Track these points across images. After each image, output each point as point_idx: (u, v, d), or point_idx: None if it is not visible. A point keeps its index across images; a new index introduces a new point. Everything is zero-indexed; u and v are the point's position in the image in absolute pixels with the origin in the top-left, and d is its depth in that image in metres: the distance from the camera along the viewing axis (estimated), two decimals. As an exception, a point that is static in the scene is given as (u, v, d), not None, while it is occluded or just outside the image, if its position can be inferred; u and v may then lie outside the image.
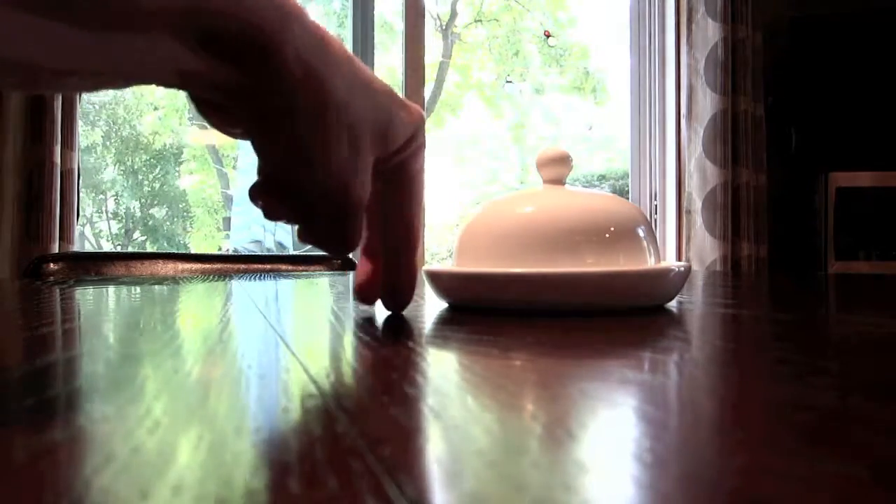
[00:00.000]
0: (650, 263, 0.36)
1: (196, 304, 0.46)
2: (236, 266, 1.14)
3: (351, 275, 1.02)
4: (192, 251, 3.55)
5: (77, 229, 1.61)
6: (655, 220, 2.08)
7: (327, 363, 0.21)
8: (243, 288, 0.63)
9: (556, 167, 0.39)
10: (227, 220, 3.67)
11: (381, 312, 0.36)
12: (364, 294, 0.35)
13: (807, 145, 2.00)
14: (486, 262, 0.36)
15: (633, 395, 0.16)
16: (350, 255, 1.33)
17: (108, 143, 3.51)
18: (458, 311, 0.36)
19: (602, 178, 3.82)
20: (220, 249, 3.73)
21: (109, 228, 3.70)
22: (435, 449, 0.12)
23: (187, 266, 1.09)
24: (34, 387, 0.17)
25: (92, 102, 3.32)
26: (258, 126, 0.24)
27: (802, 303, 0.45)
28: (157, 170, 3.65)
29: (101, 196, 3.60)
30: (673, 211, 2.02)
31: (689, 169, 1.94)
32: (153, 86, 0.22)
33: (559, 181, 0.39)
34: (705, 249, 1.89)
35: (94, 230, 3.60)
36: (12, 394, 0.16)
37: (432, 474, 0.10)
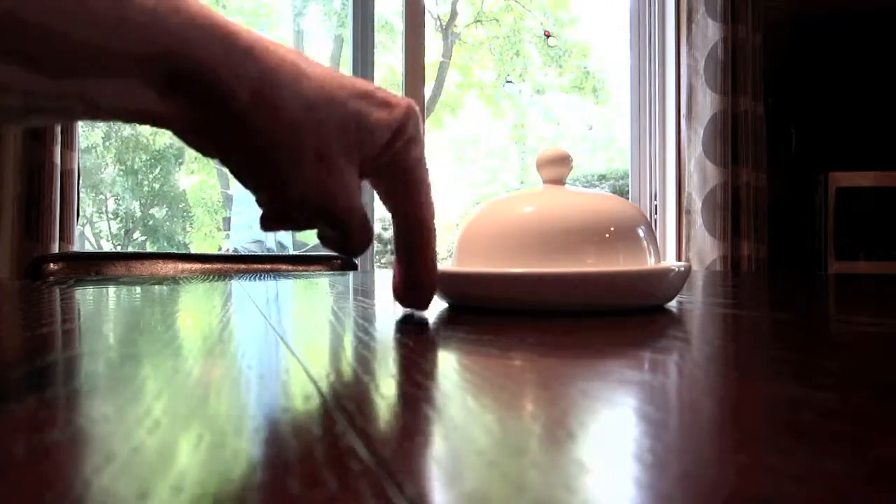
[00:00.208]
0: (650, 263, 0.36)
1: (196, 304, 0.46)
2: (236, 266, 1.14)
3: (351, 275, 1.02)
4: (192, 251, 3.55)
5: (77, 229, 1.61)
6: (655, 220, 2.08)
7: (327, 363, 0.21)
8: (243, 288, 0.63)
9: (556, 167, 0.39)
10: (227, 220, 3.67)
11: (400, 309, 0.36)
12: (399, 295, 0.34)
13: (807, 145, 2.00)
14: (486, 262, 0.36)
15: (633, 395, 0.16)
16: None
17: (108, 143, 3.51)
18: (458, 311, 0.36)
19: (602, 178, 3.82)
20: (220, 249, 3.73)
21: (109, 228, 3.70)
22: (435, 449, 0.12)
23: (187, 266, 1.09)
24: (34, 387, 0.17)
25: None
26: (225, 156, 0.25)
27: (802, 303, 0.45)
28: (157, 170, 3.65)
29: (101, 196, 3.60)
30: (673, 211, 2.02)
31: (689, 169, 1.94)
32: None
33: (559, 181, 0.39)
34: (705, 249, 1.89)
35: (94, 230, 3.60)
36: (13, 394, 0.16)
37: (432, 474, 0.10)
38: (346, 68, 2.31)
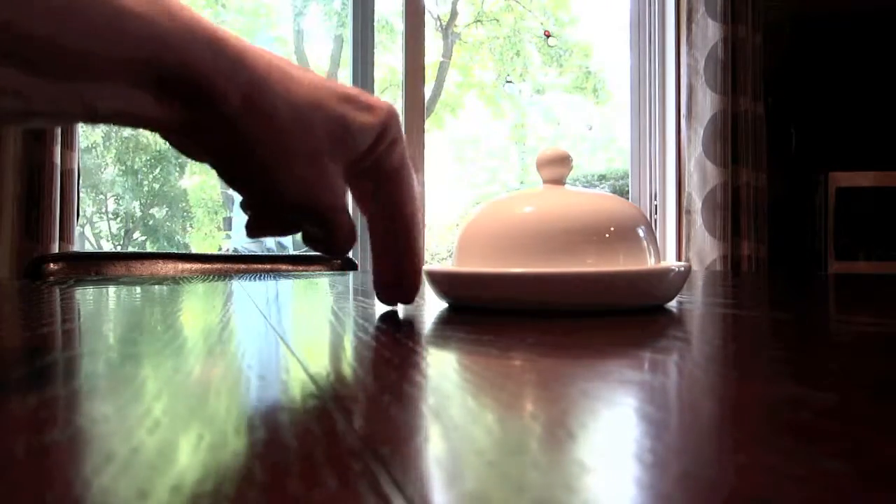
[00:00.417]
0: (650, 263, 0.36)
1: (196, 304, 0.46)
2: (236, 266, 1.14)
3: (351, 275, 1.02)
4: (192, 251, 3.55)
5: (77, 229, 1.61)
6: (655, 220, 2.08)
7: (327, 363, 0.21)
8: (243, 288, 0.63)
9: (556, 167, 0.39)
10: (228, 220, 3.67)
11: (400, 309, 0.36)
12: (385, 292, 0.36)
13: (807, 145, 2.00)
14: (486, 262, 0.36)
15: (633, 395, 0.16)
16: (350, 255, 1.33)
17: (108, 143, 3.51)
18: (458, 311, 0.36)
19: (602, 178, 3.82)
20: (220, 249, 3.73)
21: (109, 228, 3.70)
22: (435, 449, 0.12)
23: (187, 266, 1.09)
24: (34, 386, 0.17)
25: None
26: (215, 159, 0.26)
27: (802, 303, 0.45)
28: (158, 170, 3.66)
29: (101, 196, 3.60)
30: (673, 211, 2.02)
31: (689, 169, 1.94)
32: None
33: (559, 181, 0.39)
34: (705, 249, 1.89)
35: (94, 230, 3.60)
36: (13, 394, 0.16)
37: (432, 474, 0.10)
38: (346, 68, 2.31)
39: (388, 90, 3.16)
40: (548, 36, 4.02)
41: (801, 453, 0.11)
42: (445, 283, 0.37)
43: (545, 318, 0.31)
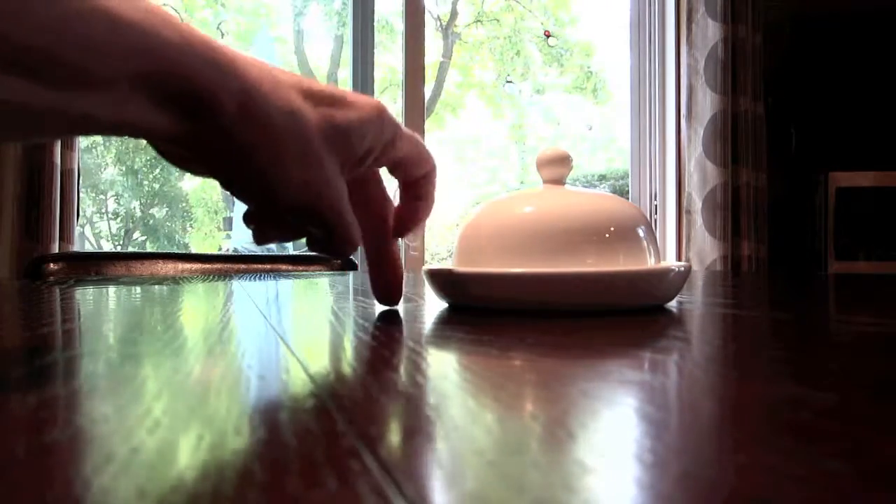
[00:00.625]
0: (650, 263, 0.36)
1: (196, 304, 0.46)
2: (236, 266, 1.14)
3: (351, 275, 1.02)
4: (193, 251, 3.55)
5: (77, 229, 1.61)
6: (655, 220, 2.08)
7: (327, 363, 0.21)
8: (243, 288, 0.63)
9: (556, 167, 0.39)
10: (228, 220, 3.67)
11: (401, 309, 0.36)
12: (379, 295, 0.37)
13: (807, 145, 2.00)
14: (486, 262, 0.36)
15: (633, 395, 0.16)
16: (352, 256, 1.33)
17: (108, 142, 3.51)
18: (458, 311, 0.36)
19: (602, 178, 3.82)
20: (220, 249, 3.73)
21: (109, 228, 3.70)
22: (435, 449, 0.12)
23: (187, 266, 1.09)
24: (34, 386, 0.17)
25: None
26: (215, 169, 0.26)
27: (802, 303, 0.45)
28: (158, 170, 3.66)
29: (101, 196, 3.60)
30: (673, 211, 2.02)
31: (689, 169, 1.94)
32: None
33: (559, 181, 0.39)
34: (705, 249, 1.89)
35: (94, 230, 3.60)
36: (13, 394, 0.16)
37: (432, 474, 0.10)
38: (346, 68, 2.31)
39: (388, 90, 3.16)
40: (548, 36, 4.02)
41: (801, 453, 0.11)
42: (445, 283, 0.37)
43: (545, 318, 0.31)
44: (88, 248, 3.24)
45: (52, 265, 1.02)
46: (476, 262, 0.36)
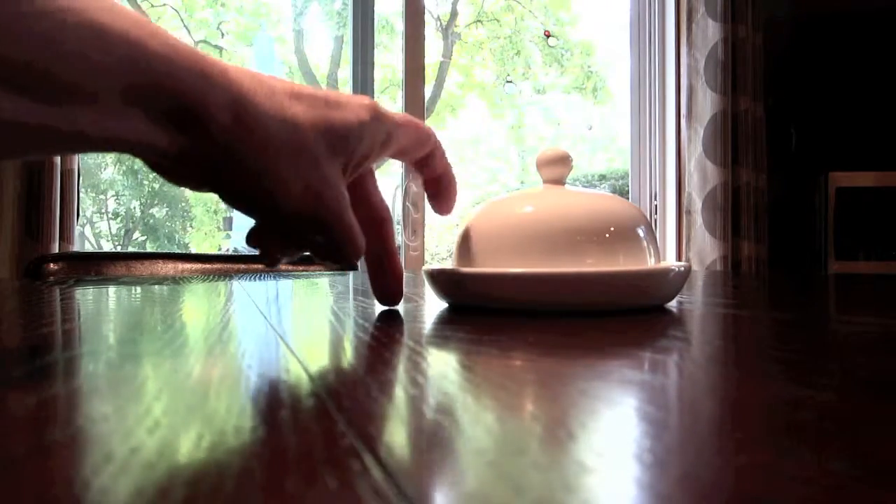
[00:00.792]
0: (650, 263, 0.36)
1: (196, 304, 0.46)
2: (236, 266, 1.14)
3: (351, 275, 1.02)
4: (193, 251, 3.55)
5: (77, 229, 1.61)
6: (655, 220, 2.08)
7: (327, 363, 0.21)
8: (243, 288, 0.63)
9: (556, 167, 0.39)
10: (228, 220, 3.67)
11: (401, 309, 0.36)
12: (380, 295, 0.37)
13: (807, 145, 2.00)
14: (486, 262, 0.36)
15: (633, 395, 0.16)
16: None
17: (108, 143, 3.51)
18: (458, 311, 0.36)
19: (602, 178, 3.82)
20: (220, 249, 3.73)
21: (109, 228, 3.70)
22: (435, 449, 0.12)
23: (187, 266, 1.09)
24: (34, 386, 0.17)
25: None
26: (214, 183, 0.26)
27: (802, 303, 0.45)
28: (158, 170, 3.65)
29: (101, 196, 3.60)
30: (673, 211, 2.02)
31: (689, 169, 1.94)
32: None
33: (559, 181, 0.39)
34: (705, 249, 1.89)
35: (94, 230, 3.60)
36: (13, 393, 0.16)
37: (432, 474, 0.10)
38: (346, 68, 2.31)
39: (388, 90, 3.16)
40: (548, 36, 4.02)
41: (801, 453, 0.11)
42: (445, 283, 0.37)
43: (545, 318, 0.31)
44: (88, 248, 3.24)
45: (52, 265, 1.02)
46: (476, 262, 0.36)
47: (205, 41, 3.57)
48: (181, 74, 0.22)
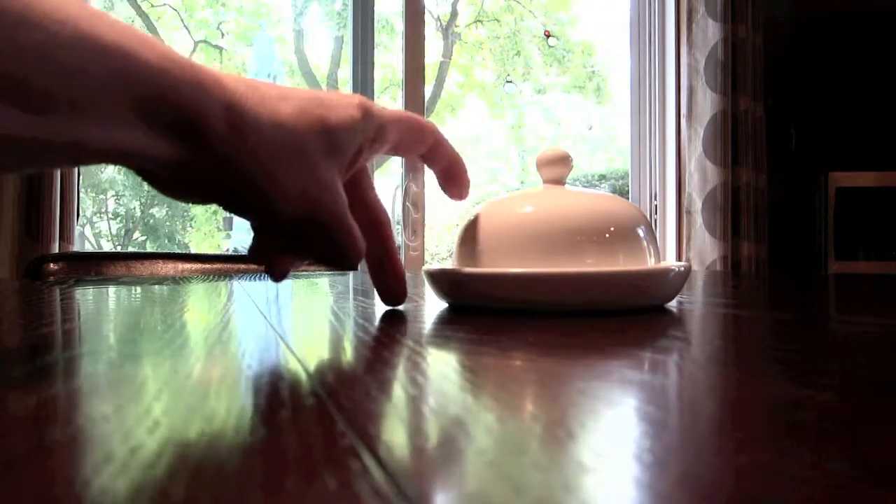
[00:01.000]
0: (650, 263, 0.36)
1: (196, 304, 0.46)
2: (236, 266, 1.14)
3: (351, 275, 1.02)
4: (193, 251, 3.55)
5: (77, 229, 1.61)
6: (655, 220, 2.08)
7: (327, 363, 0.21)
8: (243, 288, 0.63)
9: (557, 167, 0.39)
10: (228, 220, 3.67)
11: (401, 309, 0.36)
12: (383, 296, 0.37)
13: (807, 145, 2.00)
14: (486, 262, 0.36)
15: (633, 395, 0.16)
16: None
17: (108, 142, 3.51)
18: (458, 311, 0.36)
19: (602, 178, 3.82)
20: (220, 249, 3.73)
21: (109, 228, 3.70)
22: (435, 449, 0.12)
23: (187, 266, 1.09)
24: (34, 386, 0.17)
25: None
26: (214, 193, 0.26)
27: (802, 303, 0.45)
28: (158, 170, 3.65)
29: (101, 196, 3.60)
30: (673, 211, 2.02)
31: (689, 169, 1.94)
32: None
33: (559, 181, 0.39)
34: (705, 249, 1.89)
35: (94, 230, 3.60)
36: (13, 393, 0.16)
37: (432, 474, 0.10)
38: (346, 68, 2.31)
39: (388, 90, 3.16)
40: (548, 36, 4.02)
41: (801, 453, 0.11)
42: (445, 283, 0.37)
43: (545, 318, 0.31)
44: (88, 248, 3.24)
45: (52, 265, 1.02)
46: (476, 262, 0.36)
47: (205, 41, 3.57)
48: (178, 85, 0.22)
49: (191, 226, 3.83)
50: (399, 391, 0.17)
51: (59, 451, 0.11)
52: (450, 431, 0.13)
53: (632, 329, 0.28)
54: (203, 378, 0.18)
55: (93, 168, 3.46)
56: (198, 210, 3.81)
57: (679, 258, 2.00)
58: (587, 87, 4.10)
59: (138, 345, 0.25)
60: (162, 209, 3.78)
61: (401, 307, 0.38)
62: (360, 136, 0.29)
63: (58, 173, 1.51)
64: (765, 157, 1.93)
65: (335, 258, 0.30)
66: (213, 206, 0.30)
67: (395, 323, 0.32)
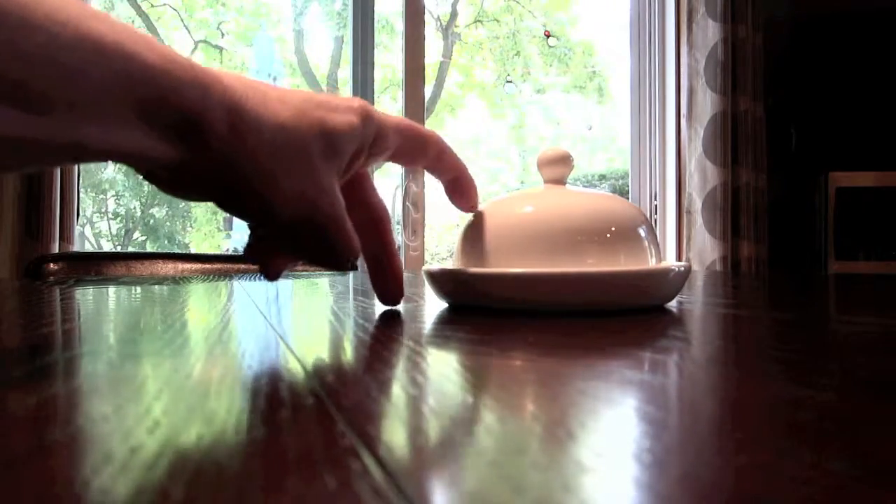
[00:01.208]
0: (650, 263, 0.36)
1: (196, 304, 0.46)
2: (236, 266, 1.14)
3: (351, 275, 1.02)
4: (193, 251, 3.55)
5: (77, 229, 1.61)
6: (655, 220, 2.08)
7: (327, 363, 0.21)
8: (243, 288, 0.63)
9: (557, 167, 0.39)
10: (228, 220, 3.67)
11: (401, 309, 0.36)
12: (381, 296, 0.37)
13: (807, 145, 2.00)
14: (486, 262, 0.36)
15: (633, 395, 0.16)
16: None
17: (108, 143, 3.51)
18: (458, 311, 0.36)
19: (602, 178, 3.82)
20: (219, 249, 3.73)
21: (109, 228, 3.70)
22: (435, 449, 0.12)
23: (187, 266, 1.09)
24: (34, 386, 0.17)
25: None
26: (213, 193, 0.26)
27: (802, 303, 0.45)
28: (158, 170, 3.65)
29: (101, 196, 3.60)
30: (673, 211, 2.02)
31: (690, 169, 1.94)
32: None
33: (560, 181, 0.39)
34: (705, 249, 1.89)
35: (94, 230, 3.60)
36: (13, 393, 0.16)
37: (432, 474, 0.10)
38: (346, 68, 2.31)
39: (388, 90, 3.16)
40: (548, 36, 4.02)
41: (801, 453, 0.11)
42: (445, 283, 0.37)
43: (545, 318, 0.31)
44: (88, 248, 3.24)
45: (52, 265, 1.02)
46: (476, 262, 0.36)
47: (205, 41, 3.57)
48: (180, 86, 0.22)
49: (191, 226, 3.83)
50: (399, 391, 0.17)
51: (59, 451, 0.11)
52: (450, 431, 0.13)
53: (632, 329, 0.28)
54: (203, 378, 0.18)
55: (93, 168, 3.46)
56: (198, 210, 3.81)
57: (679, 258, 2.00)
58: (587, 87, 4.10)
59: (138, 345, 0.25)
60: (162, 209, 3.78)
61: (401, 307, 0.38)
62: (359, 140, 0.29)
63: (58, 173, 1.51)
64: (765, 157, 1.93)
65: (330, 259, 0.30)
66: (214, 207, 0.30)
67: (395, 323, 0.32)
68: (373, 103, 2.15)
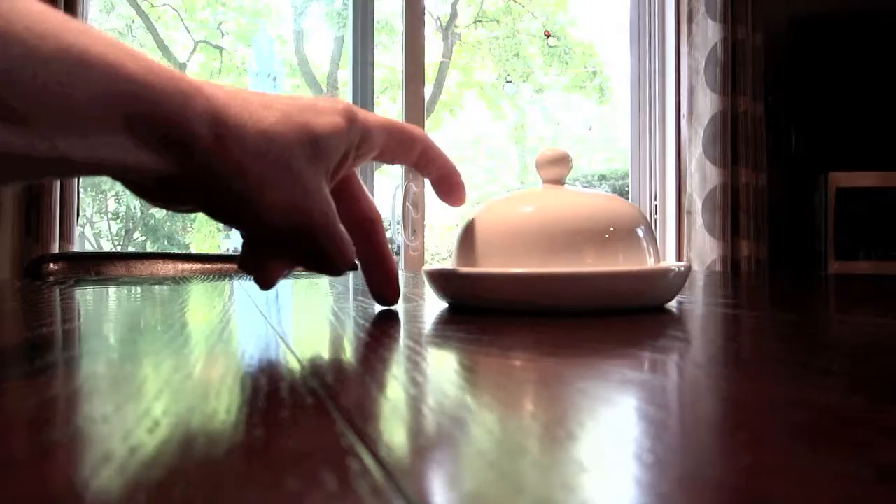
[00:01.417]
0: (650, 263, 0.36)
1: (196, 304, 0.46)
2: (236, 266, 1.14)
3: (351, 275, 1.02)
4: (193, 251, 3.55)
5: (77, 229, 1.61)
6: (655, 220, 2.08)
7: (327, 363, 0.21)
8: (243, 288, 0.63)
9: (556, 167, 0.39)
10: (227, 220, 3.66)
11: (401, 309, 0.36)
12: (376, 297, 0.38)
13: (807, 145, 2.00)
14: (486, 262, 0.36)
15: (633, 395, 0.16)
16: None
17: (108, 143, 3.51)
18: (458, 311, 0.36)
19: (602, 178, 3.82)
20: (219, 249, 3.73)
21: (109, 228, 3.70)
22: (435, 449, 0.12)
23: (187, 266, 1.09)
24: (34, 386, 0.17)
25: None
26: (201, 203, 0.26)
27: (802, 303, 0.45)
28: (158, 170, 3.65)
29: (101, 196, 3.60)
30: (673, 211, 2.02)
31: (690, 169, 1.94)
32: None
33: (559, 181, 0.39)
34: (705, 249, 1.89)
35: (94, 230, 3.60)
36: (13, 394, 0.16)
37: (432, 474, 0.10)
38: (346, 68, 2.31)
39: (388, 90, 3.16)
40: (548, 36, 4.02)
41: (801, 453, 0.11)
42: (445, 283, 0.37)
43: (545, 318, 0.31)
44: (88, 248, 3.24)
45: (52, 265, 1.02)
46: (476, 262, 0.36)
47: (205, 41, 3.57)
48: (163, 98, 0.22)
49: (191, 226, 3.83)
50: (399, 391, 0.17)
51: (58, 452, 0.11)
52: (450, 431, 0.13)
53: (632, 329, 0.28)
54: (203, 378, 0.18)
55: (93, 168, 3.45)
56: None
57: (679, 258, 2.00)
58: (587, 87, 4.10)
59: (138, 345, 0.25)
60: (162, 209, 3.78)
61: (400, 307, 0.38)
62: (346, 143, 0.29)
63: (58, 173, 1.51)
64: (765, 158, 1.93)
65: (325, 265, 0.30)
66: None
67: (394, 323, 0.32)
68: (373, 103, 2.13)
